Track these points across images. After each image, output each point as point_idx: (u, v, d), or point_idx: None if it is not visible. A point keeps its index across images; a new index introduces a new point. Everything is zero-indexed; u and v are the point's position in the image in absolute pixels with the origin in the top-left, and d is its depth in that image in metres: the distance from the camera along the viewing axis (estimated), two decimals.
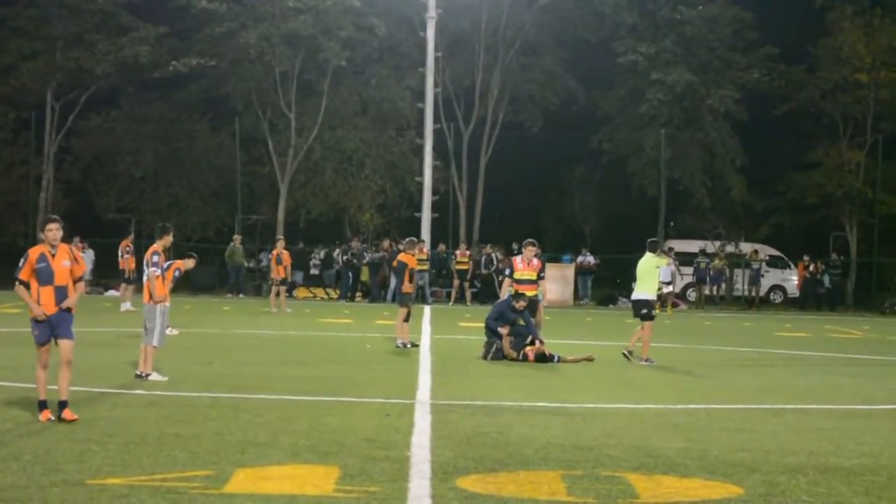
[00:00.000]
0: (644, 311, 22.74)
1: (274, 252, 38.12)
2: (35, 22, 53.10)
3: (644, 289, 22.98)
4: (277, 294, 37.38)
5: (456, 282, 46.72)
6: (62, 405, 12.81)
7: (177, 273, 18.57)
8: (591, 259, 50.52)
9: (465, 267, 46.79)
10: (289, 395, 15.77)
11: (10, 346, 22.71)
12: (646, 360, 22.21)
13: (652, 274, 22.95)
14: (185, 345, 23.28)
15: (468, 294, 46.72)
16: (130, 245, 35.84)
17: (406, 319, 24.43)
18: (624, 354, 22.60)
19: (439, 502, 9.29)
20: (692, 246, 53.97)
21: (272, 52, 52.40)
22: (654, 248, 23.81)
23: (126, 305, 34.39)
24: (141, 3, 53.05)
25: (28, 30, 53.20)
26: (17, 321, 29.20)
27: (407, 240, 26.54)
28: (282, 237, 40.91)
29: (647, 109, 55.66)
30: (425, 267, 43.47)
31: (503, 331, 22.30)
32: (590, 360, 22.19)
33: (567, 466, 10.96)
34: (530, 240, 24.15)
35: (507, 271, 24.00)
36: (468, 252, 47.93)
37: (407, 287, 24.32)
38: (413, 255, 25.28)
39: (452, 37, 55.87)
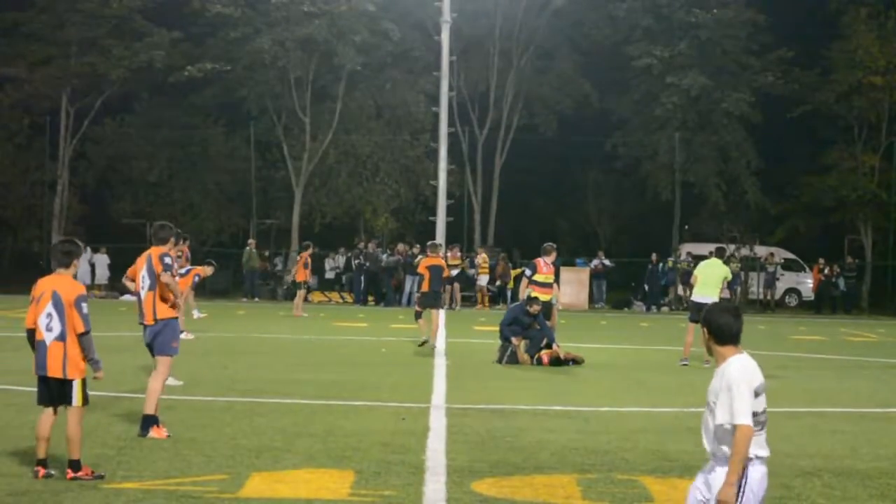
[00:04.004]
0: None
1: (304, 255, 38.14)
2: (49, 27, 53.16)
3: (707, 292, 23.05)
4: (304, 298, 38.01)
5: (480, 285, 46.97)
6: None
7: (196, 279, 18.61)
8: (602, 262, 50.21)
9: (484, 272, 47.01)
10: (304, 400, 15.78)
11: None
12: (684, 361, 22.71)
13: (717, 280, 23.20)
14: (200, 349, 23.29)
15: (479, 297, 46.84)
16: None
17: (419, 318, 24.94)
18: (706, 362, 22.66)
19: None
20: (707, 249, 53.66)
21: (287, 57, 52.43)
22: (721, 255, 24.26)
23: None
24: (155, 8, 53.11)
25: (42, 35, 53.25)
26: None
27: (429, 243, 26.81)
28: (310, 243, 40.90)
29: (661, 113, 55.66)
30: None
31: (515, 341, 22.27)
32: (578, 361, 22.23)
33: (582, 470, 10.96)
34: (551, 243, 24.11)
35: (528, 272, 23.44)
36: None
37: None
38: (438, 257, 25.81)
39: (467, 41, 55.84)
